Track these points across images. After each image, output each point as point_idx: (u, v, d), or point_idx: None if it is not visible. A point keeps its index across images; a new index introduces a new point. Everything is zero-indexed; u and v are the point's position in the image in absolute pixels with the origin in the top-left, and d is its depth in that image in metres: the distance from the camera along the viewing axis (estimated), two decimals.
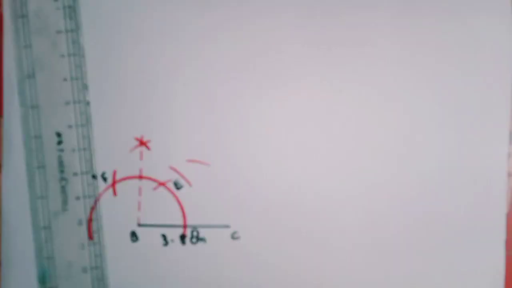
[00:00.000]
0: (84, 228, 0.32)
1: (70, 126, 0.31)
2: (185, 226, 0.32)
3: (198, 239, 0.32)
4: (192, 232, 0.32)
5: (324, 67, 0.31)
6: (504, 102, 0.31)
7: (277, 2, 0.31)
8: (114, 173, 0.32)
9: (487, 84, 0.31)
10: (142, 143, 0.32)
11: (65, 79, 0.32)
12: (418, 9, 0.31)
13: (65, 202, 0.32)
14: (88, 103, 0.32)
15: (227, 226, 0.31)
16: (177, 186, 0.32)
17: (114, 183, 0.32)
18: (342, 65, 0.31)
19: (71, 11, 0.32)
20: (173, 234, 0.32)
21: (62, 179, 0.32)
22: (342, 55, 0.31)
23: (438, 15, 0.31)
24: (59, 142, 0.31)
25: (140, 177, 0.32)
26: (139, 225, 0.32)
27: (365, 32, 0.31)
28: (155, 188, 0.32)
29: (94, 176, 0.32)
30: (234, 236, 0.31)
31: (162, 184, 0.32)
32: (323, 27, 0.31)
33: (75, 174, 0.32)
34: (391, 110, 0.31)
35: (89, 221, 0.32)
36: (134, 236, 0.32)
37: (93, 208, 0.32)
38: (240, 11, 0.31)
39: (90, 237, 0.32)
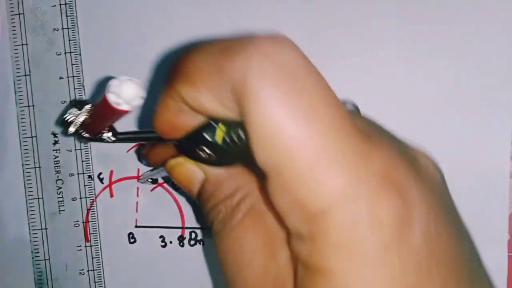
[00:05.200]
0: (80, 229, 0.31)
1: None
2: (183, 228, 0.31)
3: (197, 241, 0.31)
4: (190, 233, 0.31)
5: (327, 66, 0.31)
6: (507, 102, 0.30)
7: (279, 3, 0.31)
8: (111, 174, 0.31)
9: (490, 85, 0.30)
10: (139, 144, 0.31)
11: (61, 78, 0.31)
12: (422, 7, 0.31)
13: (61, 203, 0.31)
14: None
15: None
16: (175, 186, 0.31)
17: (110, 184, 0.31)
18: (343, 65, 0.31)
19: (68, 8, 0.31)
20: (171, 236, 0.31)
21: (58, 179, 0.31)
22: (344, 54, 0.31)
23: (441, 15, 0.30)
24: (55, 142, 0.31)
25: (138, 177, 0.31)
26: (137, 226, 0.31)
27: (367, 32, 0.31)
28: (152, 189, 0.31)
29: (90, 177, 0.31)
30: None
31: (160, 184, 0.31)
32: (325, 27, 0.31)
33: (71, 174, 0.31)
34: (393, 110, 0.31)
35: (86, 222, 0.31)
36: (131, 237, 0.32)
37: (89, 210, 0.31)
38: (240, 9, 0.31)
39: (87, 239, 0.31)
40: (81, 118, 0.24)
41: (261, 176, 0.17)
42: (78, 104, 0.24)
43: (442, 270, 0.16)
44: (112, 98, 0.18)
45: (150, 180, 0.30)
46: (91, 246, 0.31)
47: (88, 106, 0.24)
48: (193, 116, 0.19)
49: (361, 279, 0.15)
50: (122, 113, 0.19)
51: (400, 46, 0.31)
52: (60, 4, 0.31)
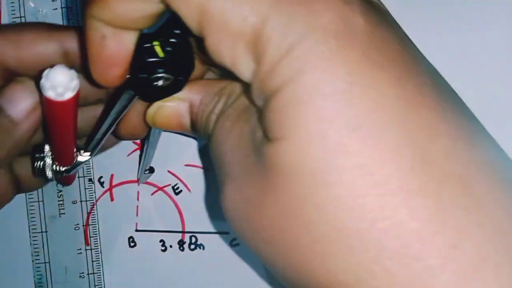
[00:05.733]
0: (81, 233, 0.31)
1: None
2: (183, 232, 0.31)
3: (197, 245, 0.31)
4: (190, 238, 0.31)
5: None
6: (510, 103, 0.30)
7: None
8: (112, 178, 0.31)
9: (493, 86, 0.30)
10: (140, 146, 0.31)
11: None
12: (424, 7, 0.30)
13: (61, 206, 0.31)
14: None
15: (226, 233, 0.31)
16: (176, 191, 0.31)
17: (111, 188, 0.31)
18: None
19: (69, 11, 0.31)
20: (172, 240, 0.31)
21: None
22: None
23: (443, 15, 0.30)
24: None
25: (138, 181, 0.31)
26: (137, 230, 0.31)
27: None
28: (153, 193, 0.31)
29: (91, 180, 0.31)
30: (233, 243, 0.31)
31: (160, 189, 0.31)
32: None
33: None
34: None
35: (86, 226, 0.31)
36: (131, 241, 0.31)
37: (90, 213, 0.31)
38: None
39: (87, 242, 0.31)
40: (48, 159, 0.24)
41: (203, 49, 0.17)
42: (37, 149, 0.24)
43: (395, 65, 0.15)
44: (52, 94, 0.18)
45: (146, 171, 0.30)
46: (91, 249, 0.31)
47: (47, 146, 0.24)
48: (119, 39, 0.18)
49: (312, 81, 0.15)
50: (72, 105, 0.19)
51: None
52: (61, 7, 0.31)
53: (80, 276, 0.31)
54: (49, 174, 0.24)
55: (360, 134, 0.14)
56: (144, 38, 0.19)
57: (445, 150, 0.15)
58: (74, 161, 0.24)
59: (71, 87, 0.18)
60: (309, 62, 0.15)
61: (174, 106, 0.21)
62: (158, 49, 0.19)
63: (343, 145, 0.14)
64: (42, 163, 0.24)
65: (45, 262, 0.31)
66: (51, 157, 0.24)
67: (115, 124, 0.22)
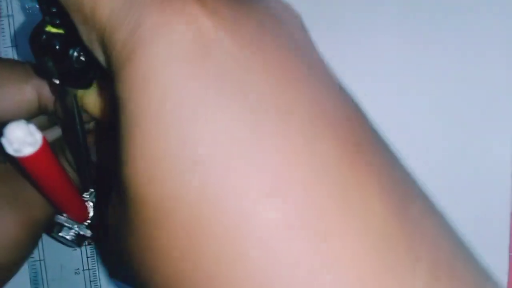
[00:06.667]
0: None
1: None
2: None
3: None
4: None
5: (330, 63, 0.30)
6: (509, 102, 0.30)
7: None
8: None
9: (492, 84, 0.30)
10: None
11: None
12: (422, 7, 0.30)
13: None
14: None
15: None
16: None
17: None
18: (347, 64, 0.30)
19: None
20: None
21: None
22: (348, 54, 0.30)
23: (442, 14, 0.30)
24: None
25: None
26: None
27: (368, 32, 0.30)
28: None
29: None
30: None
31: None
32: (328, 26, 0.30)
33: None
34: (395, 110, 0.30)
35: None
36: None
37: None
38: None
39: None
40: (75, 226, 0.24)
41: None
42: (55, 227, 0.24)
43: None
44: (10, 150, 0.17)
45: None
46: (86, 245, 0.32)
47: (60, 217, 0.24)
48: None
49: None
50: (39, 159, 0.18)
51: (404, 45, 0.30)
52: None
53: (75, 272, 0.32)
54: (87, 233, 0.24)
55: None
56: (38, 34, 0.18)
57: None
58: (96, 212, 0.24)
59: (27, 142, 0.17)
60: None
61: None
62: (55, 30, 0.18)
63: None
64: (73, 232, 0.24)
65: (39, 260, 0.32)
66: (71, 221, 0.24)
67: (85, 134, 0.22)
